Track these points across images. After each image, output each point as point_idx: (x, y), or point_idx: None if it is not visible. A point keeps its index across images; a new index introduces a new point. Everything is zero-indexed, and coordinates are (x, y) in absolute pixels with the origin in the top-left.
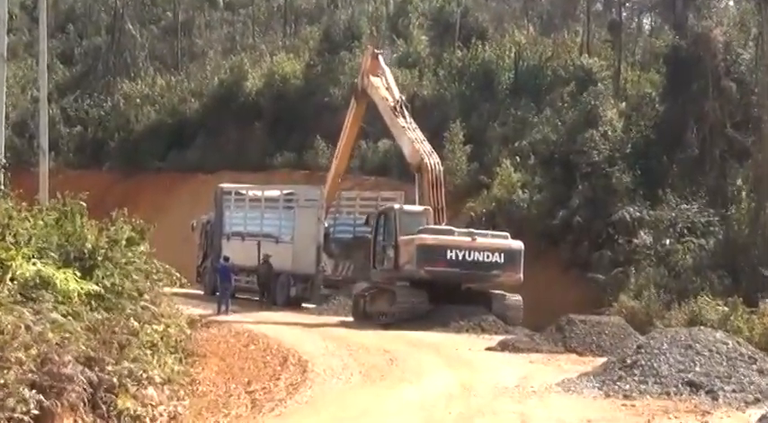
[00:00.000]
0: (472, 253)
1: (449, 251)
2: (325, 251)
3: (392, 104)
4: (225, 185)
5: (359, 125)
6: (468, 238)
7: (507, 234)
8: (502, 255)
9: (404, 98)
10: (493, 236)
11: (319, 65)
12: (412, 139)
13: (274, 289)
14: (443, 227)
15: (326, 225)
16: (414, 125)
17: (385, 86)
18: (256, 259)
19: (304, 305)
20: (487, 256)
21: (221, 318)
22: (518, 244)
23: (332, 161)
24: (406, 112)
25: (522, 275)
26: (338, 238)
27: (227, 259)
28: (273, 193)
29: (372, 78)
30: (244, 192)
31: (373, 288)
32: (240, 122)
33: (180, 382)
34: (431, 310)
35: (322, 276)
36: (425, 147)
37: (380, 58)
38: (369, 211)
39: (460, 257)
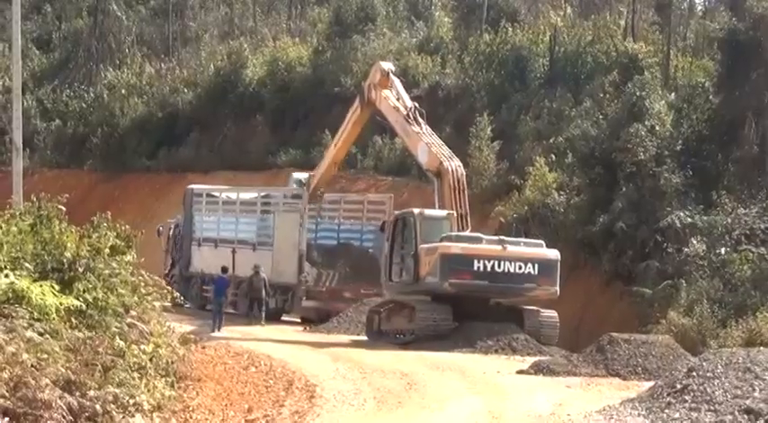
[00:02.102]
0: (503, 263)
1: (476, 261)
2: (306, 259)
3: (404, 112)
4: (195, 186)
5: (360, 128)
6: (499, 247)
7: (542, 242)
8: (536, 265)
9: (417, 105)
10: (526, 244)
11: (329, 51)
12: (429, 143)
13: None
14: (470, 234)
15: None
16: (429, 131)
17: (395, 97)
18: (230, 268)
19: (284, 318)
20: (520, 267)
21: (216, 335)
22: (554, 253)
23: (328, 148)
24: (421, 120)
25: (558, 289)
26: (321, 244)
27: (225, 270)
28: (249, 195)
29: (382, 91)
30: (216, 194)
31: (390, 303)
32: (239, 116)
33: (171, 409)
34: (455, 329)
35: (305, 287)
36: (444, 150)
37: (391, 75)
38: (353, 216)
39: (489, 268)
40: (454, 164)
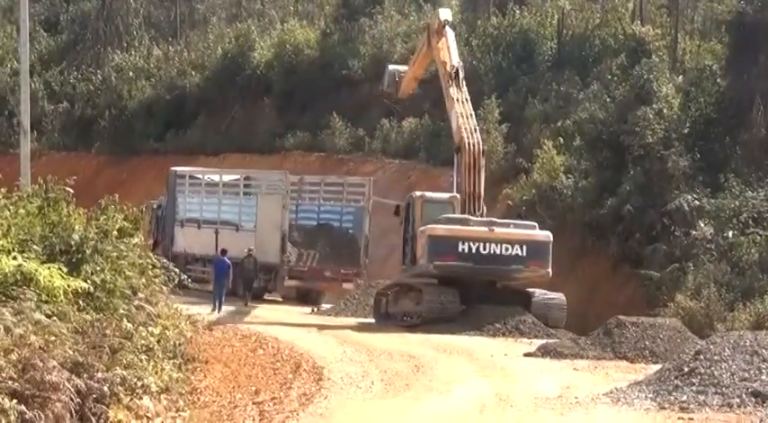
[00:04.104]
0: (488, 245)
1: (460, 243)
2: (288, 240)
3: (448, 70)
4: (178, 169)
5: (428, 61)
6: (485, 229)
7: (535, 224)
8: (524, 247)
9: (461, 64)
10: (516, 226)
11: (336, 33)
12: (458, 113)
13: (235, 280)
14: (459, 216)
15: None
16: (466, 96)
17: (446, 48)
18: (213, 248)
19: (266, 297)
20: (506, 249)
21: (216, 317)
22: (545, 235)
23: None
24: (462, 81)
25: (550, 270)
26: (301, 225)
27: (224, 252)
28: (232, 177)
29: (439, 40)
30: (199, 176)
31: (396, 286)
32: (247, 99)
33: (179, 391)
34: (462, 311)
35: (287, 267)
36: (469, 123)
37: (447, 26)
38: (333, 197)
39: (474, 250)
40: (474, 140)
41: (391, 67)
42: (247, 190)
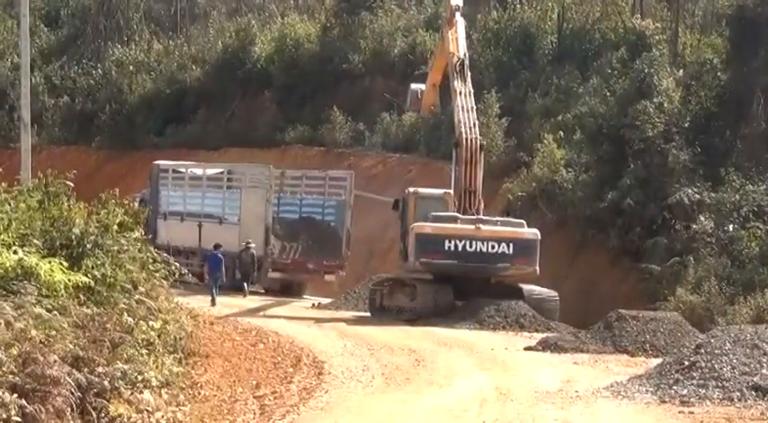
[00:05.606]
0: (474, 243)
1: (447, 241)
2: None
3: (455, 62)
4: (161, 162)
5: (444, 62)
6: (472, 227)
7: (523, 222)
8: (510, 245)
9: (467, 55)
10: (503, 223)
11: (337, 27)
12: (460, 107)
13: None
14: (448, 214)
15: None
16: (469, 89)
17: (455, 39)
18: (197, 240)
19: (250, 289)
20: (492, 247)
21: (216, 310)
22: (532, 233)
23: (428, 74)
24: (467, 74)
25: (537, 268)
26: (283, 218)
27: (217, 247)
28: (215, 171)
29: (449, 30)
30: (183, 170)
31: (390, 280)
32: (247, 93)
33: (179, 386)
34: (462, 305)
35: (271, 259)
36: (469, 118)
37: (458, 14)
38: (315, 191)
39: (460, 248)
40: (472, 135)
41: (413, 85)
42: (230, 184)
